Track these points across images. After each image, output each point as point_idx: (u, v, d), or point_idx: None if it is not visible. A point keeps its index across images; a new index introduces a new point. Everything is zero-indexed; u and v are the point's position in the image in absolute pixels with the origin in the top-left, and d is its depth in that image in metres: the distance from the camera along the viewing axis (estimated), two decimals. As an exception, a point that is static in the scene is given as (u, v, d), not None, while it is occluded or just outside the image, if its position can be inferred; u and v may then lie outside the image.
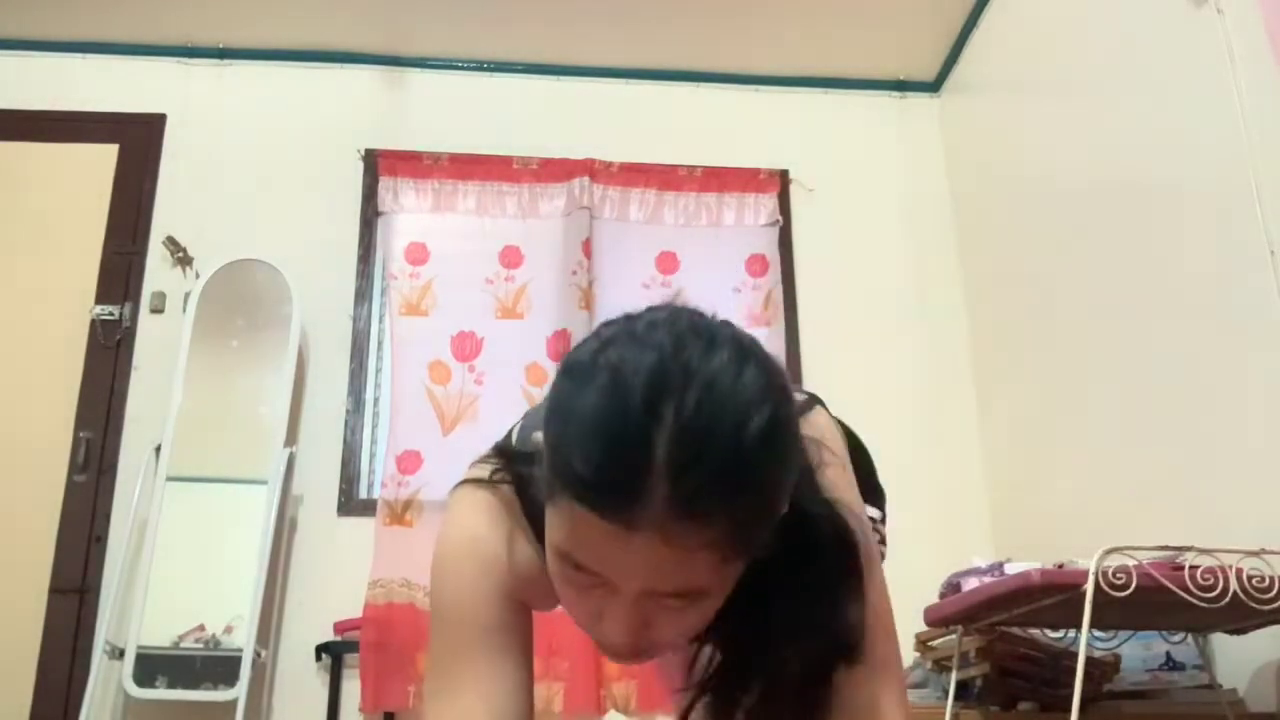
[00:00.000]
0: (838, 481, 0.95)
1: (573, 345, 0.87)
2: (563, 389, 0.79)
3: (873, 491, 1.24)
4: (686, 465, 0.71)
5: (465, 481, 1.04)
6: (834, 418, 1.09)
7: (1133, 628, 2.30)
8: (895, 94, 4.11)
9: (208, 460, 3.29)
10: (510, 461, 1.02)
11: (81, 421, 3.40)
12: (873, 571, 0.97)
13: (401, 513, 3.30)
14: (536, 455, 0.84)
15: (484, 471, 1.03)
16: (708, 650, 0.94)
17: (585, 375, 0.77)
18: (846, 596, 0.89)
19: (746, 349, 0.78)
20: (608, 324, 0.82)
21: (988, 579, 2.19)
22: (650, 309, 0.81)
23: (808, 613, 0.87)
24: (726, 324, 0.80)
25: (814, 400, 1.06)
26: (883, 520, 1.26)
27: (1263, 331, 2.26)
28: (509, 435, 1.08)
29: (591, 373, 0.76)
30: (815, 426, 0.98)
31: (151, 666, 2.99)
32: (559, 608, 1.01)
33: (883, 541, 1.23)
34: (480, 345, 3.55)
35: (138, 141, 3.74)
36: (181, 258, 3.58)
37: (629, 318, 0.81)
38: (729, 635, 0.91)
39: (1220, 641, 2.38)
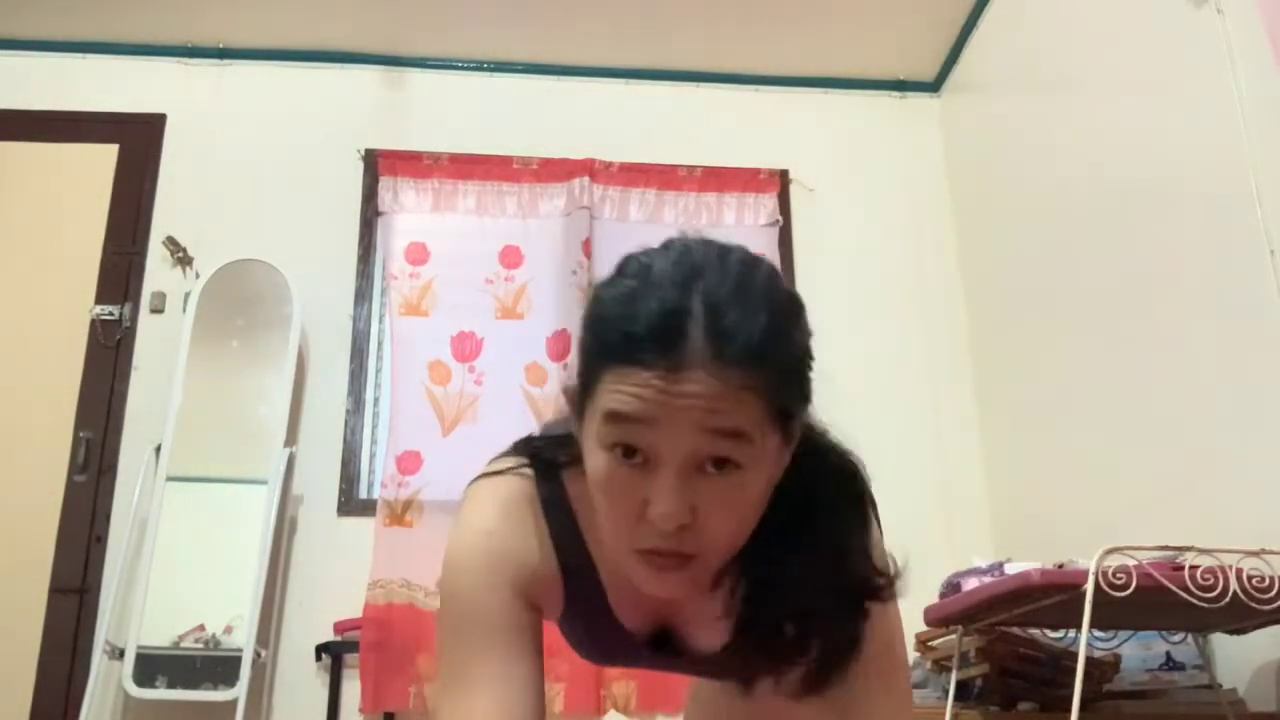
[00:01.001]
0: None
1: (573, 346, 0.92)
2: (598, 293, 0.87)
3: None
4: (720, 312, 0.81)
5: (482, 475, 1.03)
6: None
7: (1133, 628, 2.30)
8: (895, 94, 4.11)
9: (208, 460, 3.29)
10: (534, 447, 1.02)
11: (81, 421, 3.40)
12: (888, 607, 1.00)
13: (401, 513, 3.30)
14: (563, 437, 0.91)
15: (503, 465, 1.02)
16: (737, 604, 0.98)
17: (617, 278, 0.86)
18: (858, 527, 0.96)
19: (757, 256, 0.90)
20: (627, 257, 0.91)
21: (988, 579, 2.19)
22: (664, 241, 0.90)
23: (826, 543, 0.94)
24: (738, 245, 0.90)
25: None
26: None
27: (1263, 331, 2.26)
28: (529, 434, 1.07)
29: (623, 275, 0.86)
30: None
31: (151, 666, 2.99)
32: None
33: None
34: (480, 345, 3.55)
35: (138, 141, 3.74)
36: (181, 258, 3.58)
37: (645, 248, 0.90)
38: (757, 573, 0.95)
39: (1220, 641, 2.38)
